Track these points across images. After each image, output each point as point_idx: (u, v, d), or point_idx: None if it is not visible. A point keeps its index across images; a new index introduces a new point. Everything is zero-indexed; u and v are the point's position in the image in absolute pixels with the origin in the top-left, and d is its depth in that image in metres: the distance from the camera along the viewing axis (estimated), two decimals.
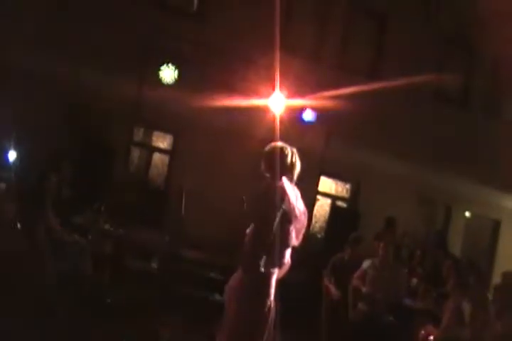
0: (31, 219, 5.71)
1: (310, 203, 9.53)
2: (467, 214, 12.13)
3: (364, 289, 6.90)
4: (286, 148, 4.31)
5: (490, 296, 7.18)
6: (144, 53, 9.15)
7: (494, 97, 11.90)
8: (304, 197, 4.32)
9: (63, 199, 7.09)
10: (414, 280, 7.95)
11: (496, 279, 8.90)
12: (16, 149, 8.11)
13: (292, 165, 4.31)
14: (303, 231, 4.27)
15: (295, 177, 4.32)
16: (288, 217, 4.11)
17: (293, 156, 4.31)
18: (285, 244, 4.15)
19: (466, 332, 5.90)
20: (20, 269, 5.46)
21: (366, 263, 7.14)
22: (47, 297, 5.37)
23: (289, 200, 4.12)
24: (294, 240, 4.21)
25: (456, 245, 9.79)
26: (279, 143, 4.33)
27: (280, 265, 4.16)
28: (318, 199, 11.13)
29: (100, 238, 7.16)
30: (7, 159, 8.05)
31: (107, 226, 7.66)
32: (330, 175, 11.01)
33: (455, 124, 10.98)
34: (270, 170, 4.25)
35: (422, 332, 6.14)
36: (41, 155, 8.26)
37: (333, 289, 7.16)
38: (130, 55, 9.12)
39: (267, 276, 4.09)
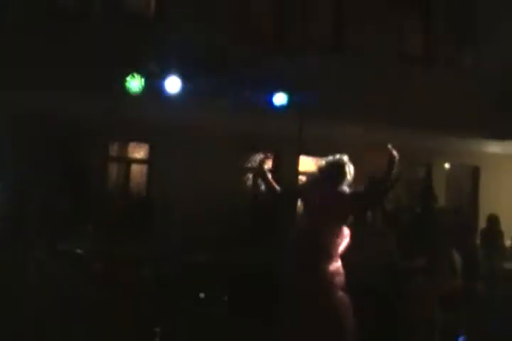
0: (19, 254, 5.75)
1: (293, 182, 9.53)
2: (446, 165, 12.36)
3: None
4: (348, 166, 4.84)
5: (478, 241, 7.40)
6: (106, 65, 9.12)
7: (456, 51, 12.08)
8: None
9: (48, 226, 7.12)
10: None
11: (482, 224, 9.13)
12: None
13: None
14: None
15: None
16: None
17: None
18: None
19: (459, 282, 6.09)
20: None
21: None
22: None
23: None
24: None
25: (440, 196, 9.98)
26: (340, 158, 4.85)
27: None
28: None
29: (93, 259, 7.19)
30: None
31: (97, 246, 7.71)
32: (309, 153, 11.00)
33: (421, 81, 11.08)
34: (332, 183, 4.79)
35: (418, 289, 6.30)
36: (20, 184, 8.32)
37: None
38: (93, 69, 9.11)
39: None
